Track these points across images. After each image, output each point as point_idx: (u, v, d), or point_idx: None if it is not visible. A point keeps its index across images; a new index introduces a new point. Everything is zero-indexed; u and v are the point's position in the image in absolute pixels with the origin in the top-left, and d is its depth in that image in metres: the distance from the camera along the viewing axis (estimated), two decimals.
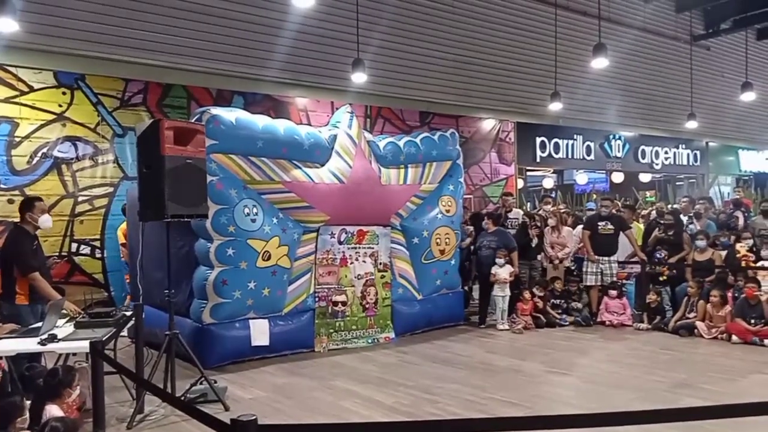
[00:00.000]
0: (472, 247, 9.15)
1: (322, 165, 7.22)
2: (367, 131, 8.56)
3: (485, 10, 12.42)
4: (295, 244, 6.98)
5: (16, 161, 7.70)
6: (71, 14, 8.02)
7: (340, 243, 7.38)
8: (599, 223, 8.80)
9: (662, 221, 9.17)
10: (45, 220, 5.63)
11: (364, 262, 7.56)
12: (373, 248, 7.63)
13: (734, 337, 7.32)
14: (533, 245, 9.01)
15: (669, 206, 12.49)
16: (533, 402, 5.24)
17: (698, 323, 7.72)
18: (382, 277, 7.71)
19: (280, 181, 6.86)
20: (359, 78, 9.69)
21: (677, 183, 18.75)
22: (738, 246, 8.43)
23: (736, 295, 7.75)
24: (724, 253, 8.45)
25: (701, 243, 8.44)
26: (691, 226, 9.36)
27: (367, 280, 7.56)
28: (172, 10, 8.79)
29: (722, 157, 18.79)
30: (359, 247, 7.53)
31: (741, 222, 9.91)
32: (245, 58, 9.49)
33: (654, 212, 10.72)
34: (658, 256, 8.80)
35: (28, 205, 5.61)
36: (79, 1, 8.06)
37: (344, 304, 7.38)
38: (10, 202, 7.51)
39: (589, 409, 5.01)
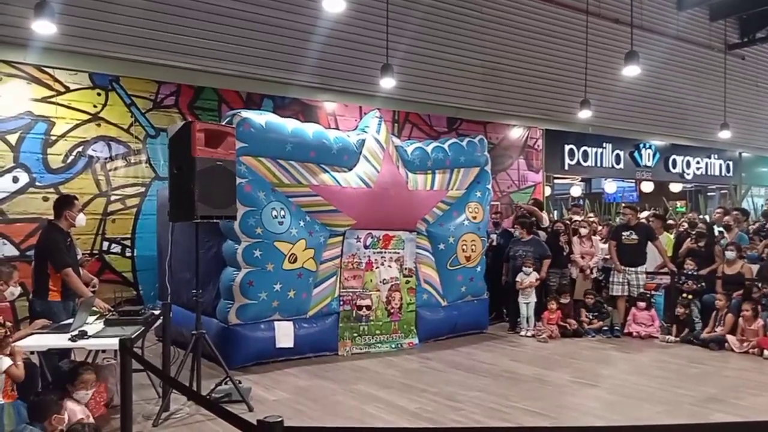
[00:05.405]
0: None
1: (350, 169, 7.25)
2: (395, 136, 8.58)
3: (515, 16, 12.36)
4: (321, 248, 7.02)
5: (51, 159, 7.88)
6: (107, 18, 8.19)
7: (366, 247, 7.40)
8: (623, 233, 8.69)
9: (694, 231, 9.01)
10: (81, 219, 5.80)
11: (389, 266, 7.56)
12: (398, 253, 7.64)
13: (766, 352, 7.16)
14: (564, 253, 8.94)
15: (700, 217, 12.27)
16: (558, 412, 5.18)
17: (729, 337, 7.57)
18: (407, 282, 7.71)
19: (308, 184, 6.91)
20: (388, 83, 9.71)
21: (708, 193, 18.42)
22: None
23: None
24: (755, 267, 8.27)
25: (731, 254, 8.28)
26: (723, 240, 9.17)
27: (392, 285, 7.56)
28: (204, 15, 8.93)
29: (756, 168, 18.41)
30: (385, 252, 7.54)
31: None
32: (276, 62, 9.59)
33: (685, 223, 10.52)
34: (688, 271, 8.58)
35: (68, 203, 5.64)
36: (115, 5, 8.24)
37: (369, 308, 7.39)
38: (45, 199, 7.68)
39: (615, 421, 4.95)
